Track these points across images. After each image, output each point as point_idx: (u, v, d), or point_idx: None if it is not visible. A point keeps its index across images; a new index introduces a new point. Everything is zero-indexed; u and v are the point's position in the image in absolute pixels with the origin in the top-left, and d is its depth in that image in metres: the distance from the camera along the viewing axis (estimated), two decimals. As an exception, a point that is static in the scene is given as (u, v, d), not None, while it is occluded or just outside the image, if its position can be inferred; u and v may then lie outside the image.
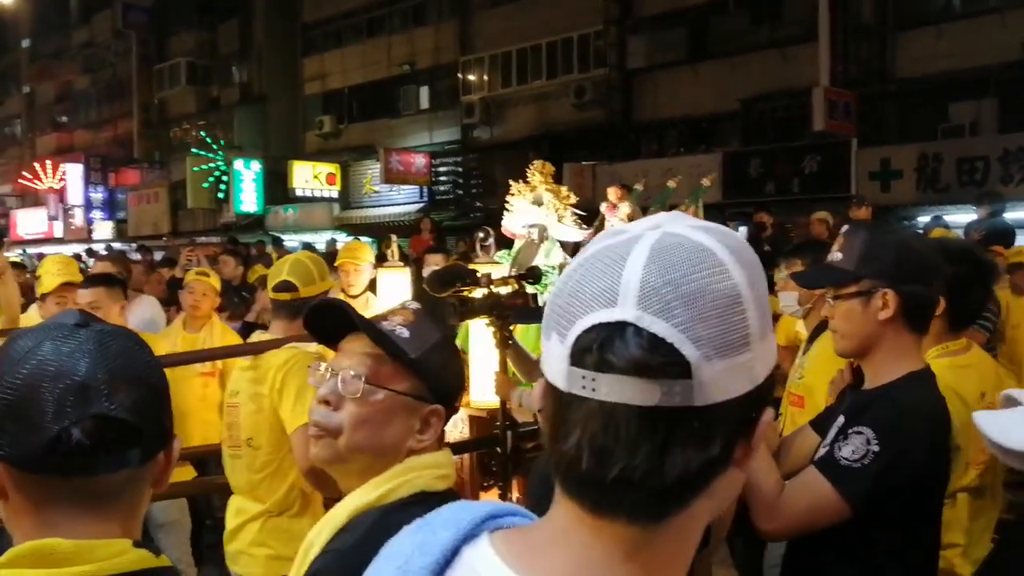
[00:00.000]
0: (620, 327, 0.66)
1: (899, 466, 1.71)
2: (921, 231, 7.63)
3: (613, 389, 0.66)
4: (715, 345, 0.65)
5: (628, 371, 0.65)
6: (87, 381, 0.94)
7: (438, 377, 1.40)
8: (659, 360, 0.65)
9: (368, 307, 4.92)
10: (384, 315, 1.43)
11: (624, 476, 0.66)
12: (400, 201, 21.14)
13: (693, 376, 0.65)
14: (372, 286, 5.13)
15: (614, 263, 0.68)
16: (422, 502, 1.25)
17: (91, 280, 3.98)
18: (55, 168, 30.08)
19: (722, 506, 0.71)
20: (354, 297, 4.96)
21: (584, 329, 0.67)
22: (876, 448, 1.71)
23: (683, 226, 0.70)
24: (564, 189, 3.35)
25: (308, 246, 14.41)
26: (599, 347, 0.66)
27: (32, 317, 4.54)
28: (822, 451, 1.85)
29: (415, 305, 1.47)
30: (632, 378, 0.65)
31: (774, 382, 0.71)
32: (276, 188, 22.54)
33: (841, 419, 1.85)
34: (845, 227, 1.98)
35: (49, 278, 3.97)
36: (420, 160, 20.11)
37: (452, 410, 1.45)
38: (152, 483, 1.04)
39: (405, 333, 1.38)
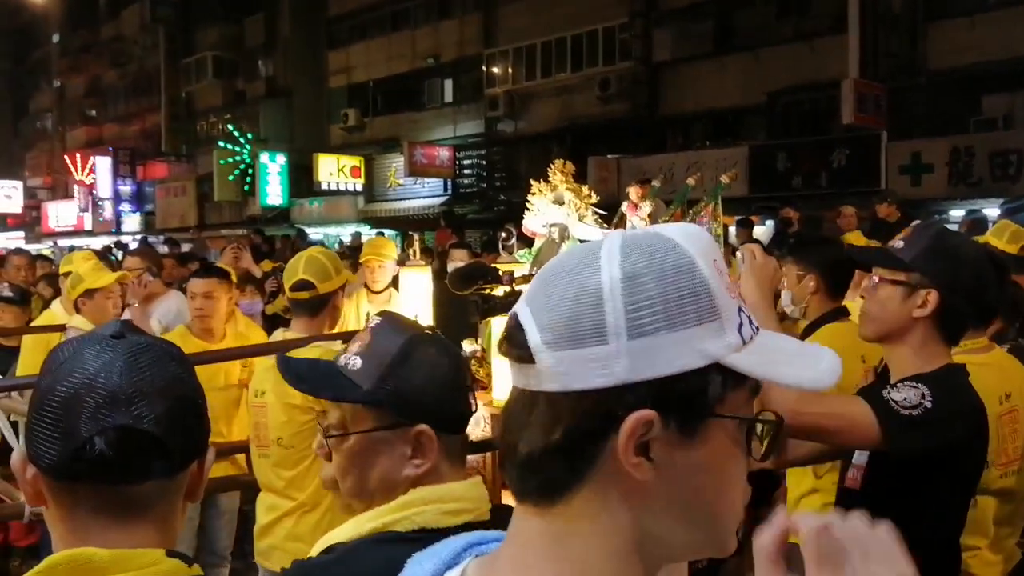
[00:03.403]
0: (514, 317, 0.71)
1: (944, 431, 1.71)
2: (956, 226, 7.49)
3: (512, 375, 0.71)
4: (558, 333, 0.66)
5: (508, 356, 0.70)
6: (114, 392, 0.96)
7: (406, 398, 1.23)
8: (516, 345, 0.69)
9: (391, 303, 4.92)
10: (352, 341, 1.30)
11: (510, 457, 0.69)
12: (424, 194, 21.18)
13: (536, 361, 0.67)
14: (395, 283, 5.14)
15: None
16: (419, 539, 1.07)
17: (205, 271, 4.14)
18: (84, 161, 30.47)
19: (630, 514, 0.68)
20: (377, 293, 4.96)
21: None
22: (929, 404, 1.71)
23: (641, 229, 0.74)
24: (585, 188, 3.34)
25: (321, 243, 14.36)
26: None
27: (57, 314, 4.58)
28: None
29: (377, 319, 1.31)
30: (512, 363, 0.70)
31: (660, 392, 0.66)
32: (301, 181, 22.68)
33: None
34: (917, 221, 2.03)
35: (98, 274, 4.01)
36: (444, 153, 20.13)
37: (448, 424, 1.28)
38: (186, 494, 1.06)
39: (357, 363, 1.23)
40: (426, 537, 1.10)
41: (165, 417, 0.98)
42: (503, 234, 3.17)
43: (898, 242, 1.91)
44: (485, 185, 20.26)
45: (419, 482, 1.23)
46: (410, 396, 1.23)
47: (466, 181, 20.69)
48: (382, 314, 1.35)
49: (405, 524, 1.17)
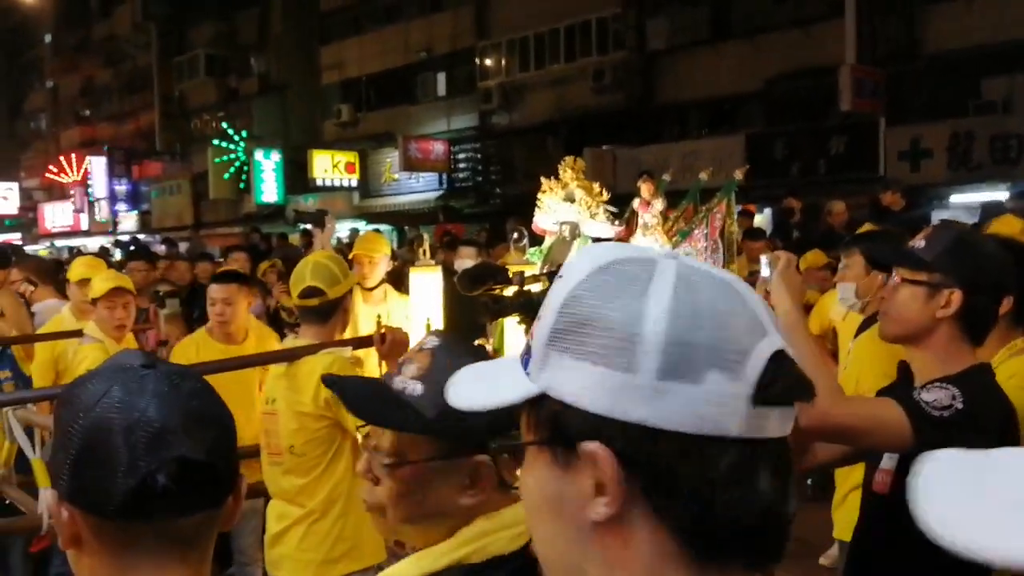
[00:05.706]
0: (782, 356, 0.61)
1: (976, 433, 1.70)
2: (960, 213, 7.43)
3: (781, 424, 0.62)
4: None
5: (789, 402, 0.62)
6: (165, 424, 0.94)
7: (469, 427, 1.15)
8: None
9: (386, 300, 4.85)
10: (402, 362, 1.24)
11: (787, 522, 0.62)
12: (419, 189, 21.12)
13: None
14: (392, 278, 5.06)
15: (736, 290, 0.63)
16: (497, 567, 1.16)
17: (223, 276, 4.18)
18: (79, 161, 30.33)
19: None
20: (370, 290, 4.88)
21: (765, 361, 0.60)
22: (960, 406, 1.70)
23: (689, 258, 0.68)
24: (596, 186, 3.30)
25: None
26: (778, 380, 0.60)
27: (65, 319, 4.55)
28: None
29: (435, 341, 1.24)
30: (789, 409, 0.62)
31: None
32: (296, 178, 22.60)
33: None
34: (938, 220, 2.02)
35: (99, 283, 3.98)
36: (439, 147, 20.06)
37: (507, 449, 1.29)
38: (222, 522, 1.05)
39: (417, 389, 1.18)
40: (499, 564, 1.14)
41: (214, 445, 0.97)
42: (515, 234, 3.12)
43: (919, 242, 1.89)
44: (481, 179, 20.18)
45: (475, 510, 1.20)
46: (473, 426, 1.15)
47: (461, 175, 20.61)
48: (437, 333, 1.27)
49: (480, 555, 1.16)
